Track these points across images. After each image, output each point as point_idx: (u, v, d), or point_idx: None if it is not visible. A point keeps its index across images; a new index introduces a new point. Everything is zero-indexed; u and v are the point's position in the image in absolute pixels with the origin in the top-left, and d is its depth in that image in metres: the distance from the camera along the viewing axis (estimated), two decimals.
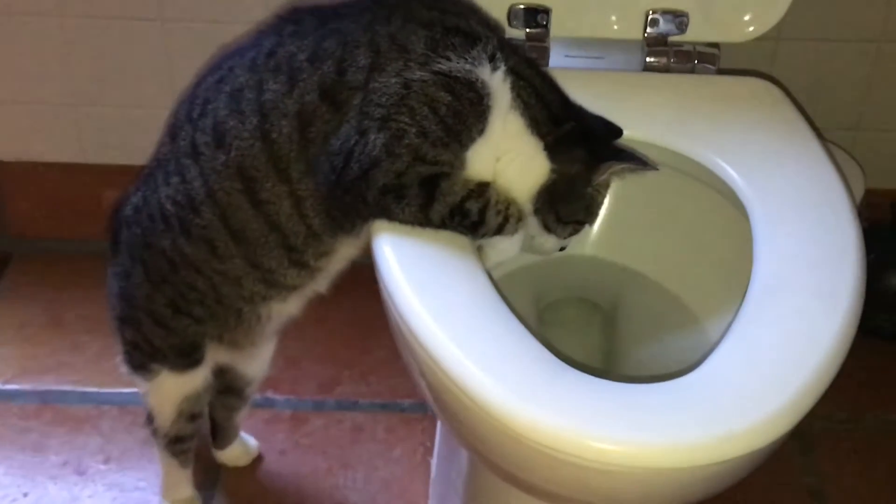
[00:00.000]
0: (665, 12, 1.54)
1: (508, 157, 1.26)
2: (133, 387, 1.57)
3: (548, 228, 1.31)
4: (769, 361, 1.08)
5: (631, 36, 1.56)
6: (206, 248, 1.35)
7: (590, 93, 1.39)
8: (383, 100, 1.22)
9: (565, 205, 1.30)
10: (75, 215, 2.09)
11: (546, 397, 1.03)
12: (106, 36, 1.92)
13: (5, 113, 2.03)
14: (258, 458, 1.75)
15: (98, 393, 1.85)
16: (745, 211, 1.29)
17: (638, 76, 1.54)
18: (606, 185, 1.33)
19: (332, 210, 1.29)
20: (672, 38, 1.55)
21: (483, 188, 1.24)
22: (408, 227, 1.24)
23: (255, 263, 1.35)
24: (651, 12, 1.54)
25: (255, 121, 1.27)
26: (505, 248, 1.29)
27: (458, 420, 1.13)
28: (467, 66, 1.22)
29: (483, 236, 1.26)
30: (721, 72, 1.54)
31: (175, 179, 1.34)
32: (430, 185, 1.22)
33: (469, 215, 1.24)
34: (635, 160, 1.28)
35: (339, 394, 1.87)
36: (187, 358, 1.47)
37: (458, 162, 1.24)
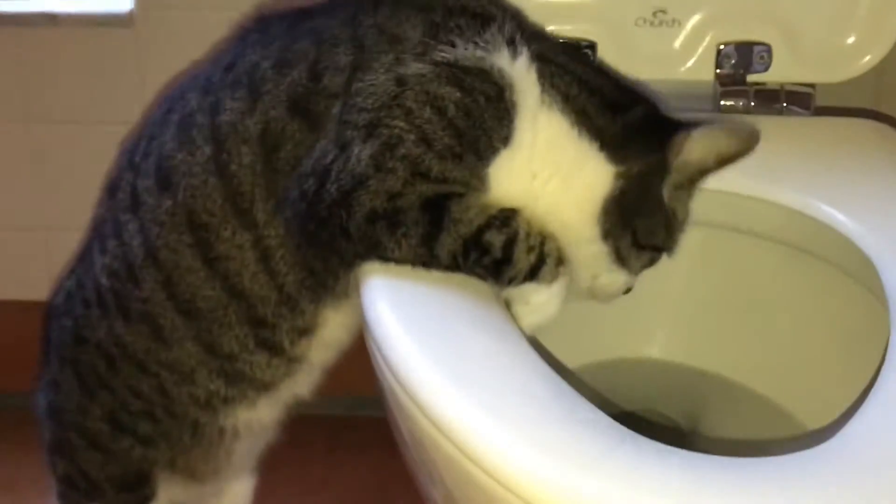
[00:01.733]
0: (741, 45, 1.30)
1: (548, 171, 0.98)
2: None
3: (621, 259, 1.02)
4: None
5: (699, 76, 1.32)
6: (149, 331, 1.12)
7: None
8: (370, 102, 0.97)
9: (643, 219, 1.01)
10: (23, 363, 1.78)
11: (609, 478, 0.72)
12: (78, 145, 1.75)
13: None
14: None
15: None
16: (870, 275, 1.01)
17: (713, 118, 1.26)
18: (688, 192, 1.04)
19: (311, 259, 1.02)
20: (752, 78, 1.31)
21: (508, 216, 0.96)
22: (406, 272, 0.96)
23: (212, 347, 1.10)
24: (723, 46, 1.30)
25: (209, 150, 1.04)
26: (542, 305, 0.99)
27: None
28: (479, 53, 0.97)
29: (511, 282, 0.97)
30: (820, 112, 1.31)
31: (112, 243, 1.13)
32: (437, 210, 0.95)
33: (490, 251, 0.96)
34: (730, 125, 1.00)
35: None
36: (131, 493, 1.24)
37: (476, 181, 0.97)
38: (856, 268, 1.06)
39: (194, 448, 1.19)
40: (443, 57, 0.96)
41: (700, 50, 1.31)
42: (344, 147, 0.96)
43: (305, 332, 1.08)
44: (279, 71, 1.02)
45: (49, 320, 1.25)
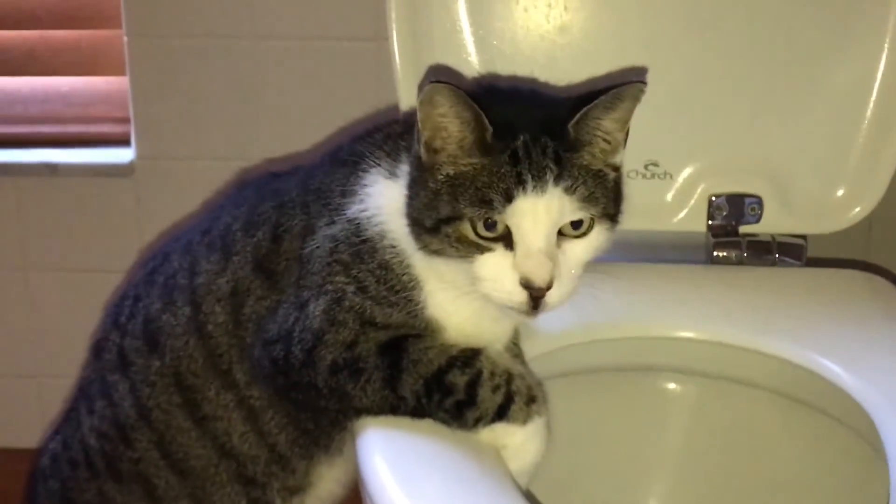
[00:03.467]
0: (732, 197, 1.31)
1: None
2: None
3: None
4: None
5: (692, 227, 1.33)
6: (142, 491, 1.13)
7: (644, 288, 1.19)
8: (316, 264, 1.02)
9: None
10: None
11: None
12: (76, 292, 1.76)
13: None
14: None
15: None
16: (869, 429, 1.00)
17: (706, 269, 1.30)
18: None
19: (302, 420, 1.04)
20: (744, 229, 1.31)
21: (471, 356, 0.97)
22: (405, 425, 0.96)
23: None
24: (714, 198, 1.31)
25: (188, 311, 1.07)
26: (520, 447, 0.97)
27: None
28: (357, 208, 1.01)
29: (477, 423, 0.96)
30: (811, 264, 1.32)
31: (100, 404, 1.13)
32: (395, 352, 0.98)
33: (452, 392, 0.96)
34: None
35: None
36: None
37: (420, 323, 0.98)
38: (853, 420, 1.05)
39: None
40: (350, 213, 1.00)
41: (692, 202, 1.32)
42: (302, 307, 1.00)
43: (298, 490, 1.08)
44: (246, 232, 1.06)
45: (35, 483, 1.23)
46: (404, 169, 0.99)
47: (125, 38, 1.60)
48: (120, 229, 1.71)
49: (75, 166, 1.68)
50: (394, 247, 0.98)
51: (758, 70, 1.30)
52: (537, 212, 0.91)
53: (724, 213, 1.32)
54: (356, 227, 0.99)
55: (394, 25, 1.28)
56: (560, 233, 0.93)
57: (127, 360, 1.10)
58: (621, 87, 0.94)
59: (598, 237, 0.95)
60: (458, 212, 0.92)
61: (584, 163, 0.94)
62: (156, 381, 1.08)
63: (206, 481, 1.07)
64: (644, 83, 0.94)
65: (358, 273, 0.98)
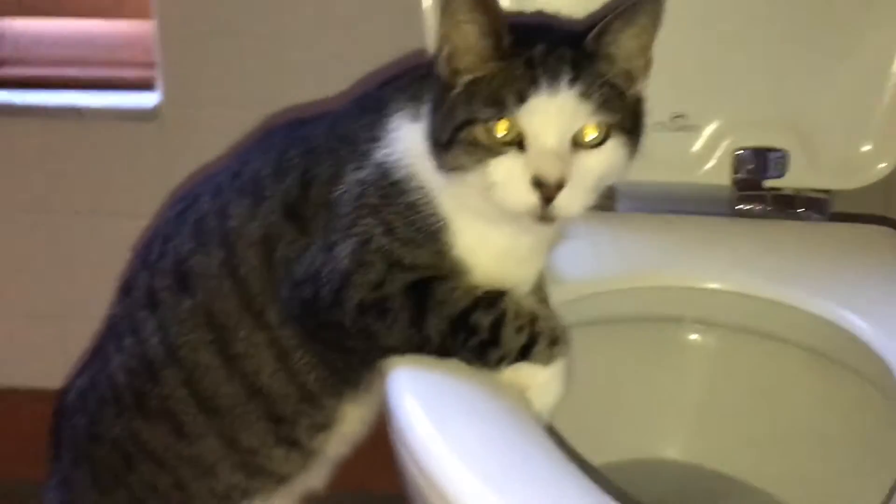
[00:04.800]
0: (757, 151, 1.33)
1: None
2: None
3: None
4: None
5: (716, 180, 1.35)
6: (170, 428, 1.15)
7: (670, 239, 1.20)
8: (345, 208, 1.04)
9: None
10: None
11: None
12: (101, 235, 1.79)
13: None
14: None
15: None
16: (888, 380, 1.03)
17: (731, 221, 1.31)
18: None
19: (332, 359, 1.06)
20: (768, 183, 1.33)
21: (496, 297, 0.99)
22: (432, 364, 0.98)
23: (233, 442, 1.12)
24: (740, 151, 1.33)
25: (222, 255, 1.09)
26: (543, 386, 0.99)
27: None
28: (384, 152, 1.03)
29: (500, 363, 0.98)
30: (835, 218, 1.34)
31: (129, 341, 1.15)
32: (421, 293, 1.00)
33: (477, 331, 0.98)
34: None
35: None
36: None
37: (447, 264, 1.00)
38: (872, 371, 1.07)
39: None
40: (376, 157, 1.02)
41: (717, 154, 1.34)
42: (329, 249, 1.02)
43: (324, 427, 1.11)
44: (276, 178, 1.07)
45: (60, 419, 1.25)
46: (425, 109, 1.00)
47: None
48: (145, 173, 1.73)
49: (101, 110, 1.69)
50: (421, 188, 0.99)
51: (787, 26, 1.32)
52: (550, 112, 0.93)
53: (749, 167, 1.34)
54: (384, 171, 1.01)
55: None
56: (575, 143, 0.94)
57: (156, 298, 1.13)
58: (639, 2, 0.95)
59: (614, 151, 0.96)
60: (471, 114, 0.94)
61: (602, 72, 0.95)
62: (186, 319, 1.10)
63: (235, 419, 1.10)
64: None
65: (386, 215, 1.00)
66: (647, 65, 0.99)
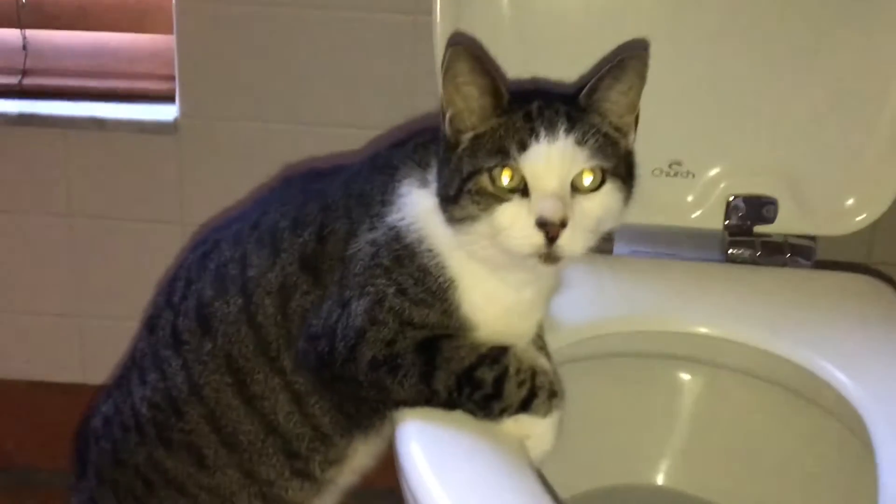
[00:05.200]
0: (749, 198, 1.39)
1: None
2: None
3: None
4: None
5: (709, 225, 1.41)
6: (192, 459, 1.21)
7: (663, 284, 1.27)
8: (359, 266, 1.10)
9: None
10: (63, 444, 1.85)
11: None
12: (120, 239, 1.85)
13: None
14: None
15: None
16: (861, 427, 1.10)
17: (720, 267, 1.38)
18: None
19: (344, 405, 1.13)
20: (758, 229, 1.39)
21: (499, 354, 1.06)
22: (438, 417, 1.06)
23: (251, 474, 1.19)
24: (733, 198, 1.39)
25: (240, 302, 1.15)
26: (540, 436, 1.07)
27: None
28: (396, 216, 1.09)
29: (502, 414, 1.05)
30: (819, 266, 1.39)
31: (153, 377, 1.21)
32: (430, 351, 1.07)
33: (482, 386, 1.05)
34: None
35: None
36: None
37: (455, 322, 1.07)
38: (847, 418, 1.14)
39: None
40: (389, 220, 1.08)
41: (711, 201, 1.39)
42: (344, 306, 1.08)
43: (336, 462, 1.17)
44: (294, 231, 1.13)
45: (86, 441, 1.31)
46: (434, 174, 1.07)
47: None
48: (162, 183, 1.78)
49: (122, 122, 1.73)
50: (430, 251, 1.06)
51: (782, 79, 1.37)
52: (549, 158, 1.00)
53: (741, 213, 1.39)
54: (396, 234, 1.07)
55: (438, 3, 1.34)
56: (574, 189, 1.01)
57: (180, 338, 1.18)
58: (625, 59, 1.02)
59: (610, 195, 1.02)
60: (477, 165, 1.01)
61: (595, 122, 1.03)
62: (207, 361, 1.16)
63: (253, 454, 1.16)
64: (646, 53, 1.03)
65: (398, 276, 1.06)
66: (636, 120, 1.06)
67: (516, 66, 1.26)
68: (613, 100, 1.03)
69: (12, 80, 1.78)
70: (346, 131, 1.71)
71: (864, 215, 1.38)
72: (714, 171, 1.40)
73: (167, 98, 1.76)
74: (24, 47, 1.78)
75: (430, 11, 1.36)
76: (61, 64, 1.80)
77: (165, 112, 1.73)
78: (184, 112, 1.72)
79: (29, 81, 1.79)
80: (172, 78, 1.72)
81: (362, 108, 1.69)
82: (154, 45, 1.77)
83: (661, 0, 1.36)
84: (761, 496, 1.28)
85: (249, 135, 1.74)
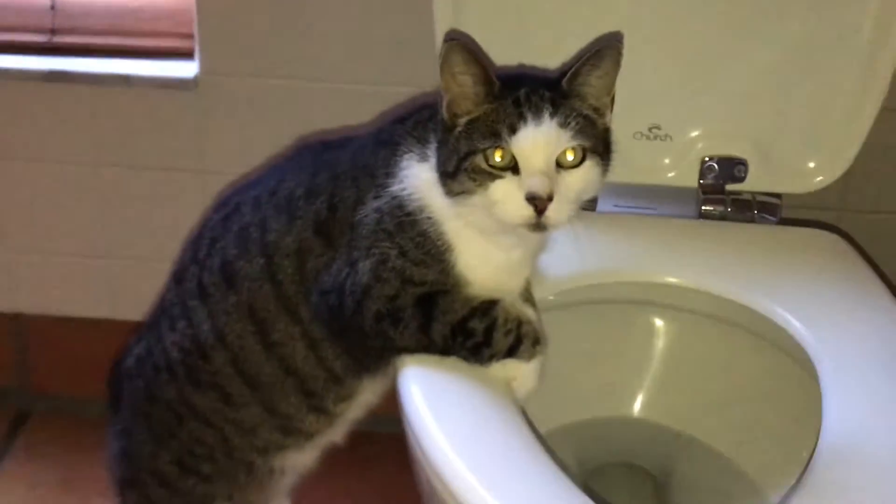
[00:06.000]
0: (722, 159, 1.49)
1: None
2: None
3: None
4: None
5: (685, 183, 1.51)
6: (218, 397, 1.32)
7: (641, 238, 1.38)
8: (365, 230, 1.21)
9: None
10: (98, 375, 1.93)
11: None
12: (143, 187, 1.94)
13: (30, 264, 2.02)
14: None
15: None
16: (812, 367, 1.22)
17: (694, 223, 1.48)
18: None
19: (354, 350, 1.24)
20: (730, 187, 1.50)
21: (489, 306, 1.18)
22: (435, 362, 1.18)
23: (272, 410, 1.30)
24: (707, 159, 1.49)
25: (262, 262, 1.26)
26: (525, 378, 1.19)
27: None
28: (398, 187, 1.20)
29: (491, 359, 1.18)
30: (783, 222, 1.50)
31: (181, 324, 1.32)
32: (428, 304, 1.18)
33: (473, 335, 1.17)
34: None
35: None
36: None
37: (451, 280, 1.19)
38: (798, 357, 1.27)
39: (249, 484, 1.37)
40: (391, 190, 1.19)
41: (686, 161, 1.50)
42: (352, 265, 1.19)
43: (347, 398, 1.30)
44: (308, 199, 1.24)
45: (120, 379, 1.43)
46: (432, 149, 1.18)
47: None
48: (182, 136, 1.86)
49: (145, 78, 1.81)
50: (429, 218, 1.17)
51: (751, 46, 1.46)
52: (537, 140, 1.11)
53: (714, 173, 1.49)
54: (398, 203, 1.18)
55: None
56: (559, 165, 1.12)
57: (206, 291, 1.29)
58: (602, 49, 1.13)
59: (589, 170, 1.14)
60: (472, 147, 1.12)
61: (576, 107, 1.13)
62: (232, 312, 1.27)
63: (274, 393, 1.28)
64: (620, 43, 1.14)
65: (400, 240, 1.17)
66: (612, 101, 1.17)
67: (508, 53, 1.36)
68: (592, 84, 1.14)
69: (42, 38, 1.86)
70: (359, 88, 1.78)
71: (823, 177, 1.48)
72: (690, 135, 1.49)
73: (187, 55, 1.82)
74: (53, 7, 1.85)
75: None
76: (87, 23, 1.87)
77: (186, 69, 1.80)
78: (203, 69, 1.79)
79: (58, 40, 1.86)
80: (192, 36, 1.79)
81: (376, 66, 1.76)
82: (175, 4, 1.84)
83: None
84: (724, 423, 1.40)
85: (265, 91, 1.81)
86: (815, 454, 1.09)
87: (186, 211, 1.75)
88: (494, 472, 1.04)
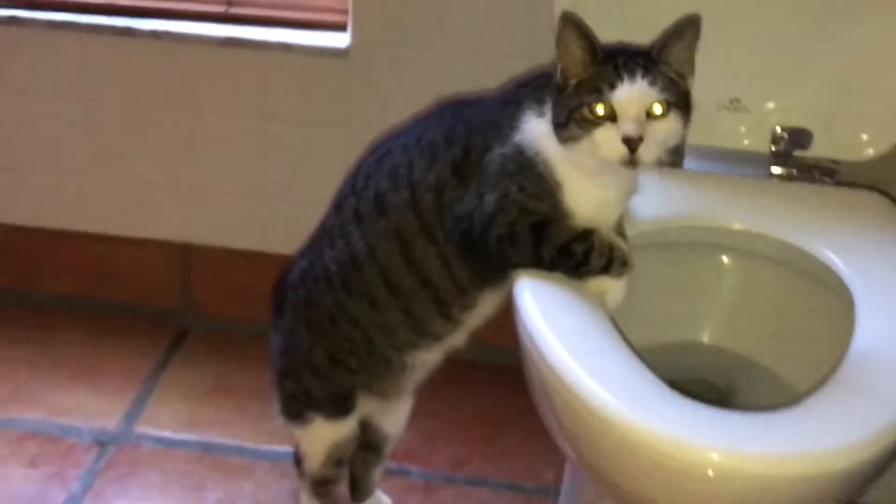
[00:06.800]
0: (791, 129, 1.68)
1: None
2: (285, 445, 1.83)
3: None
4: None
5: (758, 149, 1.70)
6: (366, 302, 1.53)
7: (719, 195, 1.60)
8: (492, 171, 1.42)
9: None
10: (251, 299, 2.17)
11: (659, 411, 1.22)
12: (298, 141, 2.13)
13: (200, 201, 2.22)
14: None
15: (254, 448, 2.03)
16: (850, 296, 1.44)
17: (763, 182, 1.69)
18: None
19: (479, 266, 1.48)
20: (796, 153, 1.69)
21: (588, 234, 1.40)
22: (543, 276, 1.42)
23: (409, 314, 1.52)
24: (778, 129, 1.69)
25: (408, 194, 1.48)
26: (614, 290, 1.42)
27: (583, 437, 1.30)
28: (519, 137, 1.42)
29: (587, 275, 1.40)
30: (840, 184, 1.68)
31: (340, 242, 1.53)
32: (539, 230, 1.40)
33: (574, 256, 1.39)
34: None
35: (469, 471, 2.01)
36: (340, 406, 1.64)
37: (559, 211, 1.41)
38: (843, 293, 1.46)
39: (385, 376, 1.60)
40: (514, 141, 1.41)
41: (761, 130, 1.69)
42: (481, 198, 1.41)
43: (470, 307, 1.51)
44: (446, 146, 1.46)
45: (284, 289, 1.63)
46: (548, 107, 1.41)
47: None
48: (335, 97, 2.05)
49: (304, 47, 2.01)
50: (544, 162, 1.40)
51: (821, 33, 1.65)
52: (632, 94, 1.32)
53: (784, 141, 1.67)
54: (519, 149, 1.40)
55: None
56: (648, 116, 1.33)
57: (361, 217, 1.50)
58: (684, 25, 1.37)
59: (673, 121, 1.35)
60: (580, 101, 1.34)
61: (662, 70, 1.37)
62: (381, 233, 1.47)
63: (412, 300, 1.49)
64: (699, 21, 1.36)
65: (519, 179, 1.39)
66: (692, 68, 1.41)
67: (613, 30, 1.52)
68: (676, 53, 1.37)
69: (220, 9, 2.08)
70: (486, 60, 1.97)
71: (872, 149, 1.67)
72: (765, 107, 1.68)
73: (341, 28, 2.02)
74: None
75: None
76: None
77: (340, 39, 2.01)
78: (355, 40, 1.99)
79: (233, 11, 2.08)
80: (346, 12, 2.00)
81: (502, 42, 1.95)
82: None
83: None
84: (778, 349, 1.58)
85: (408, 60, 2.00)
86: (845, 358, 1.32)
87: (333, 163, 1.91)
88: (593, 361, 1.28)
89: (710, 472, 1.17)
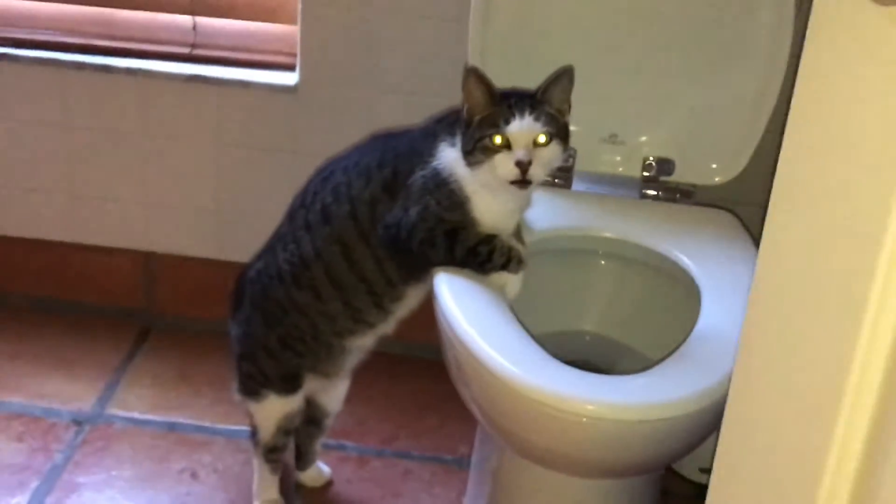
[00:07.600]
0: (658, 159, 1.98)
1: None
2: (238, 424, 2.09)
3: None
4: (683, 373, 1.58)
5: (632, 174, 1.99)
6: (313, 295, 1.78)
7: (600, 211, 1.92)
8: (415, 189, 1.69)
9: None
10: (207, 301, 2.41)
11: (545, 374, 1.54)
12: (252, 164, 2.31)
13: (163, 215, 2.37)
14: (329, 482, 2.16)
15: (212, 427, 2.27)
16: (697, 289, 1.77)
17: (635, 202, 1.99)
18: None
19: (405, 264, 1.78)
20: (662, 178, 1.98)
21: (491, 238, 1.67)
22: (456, 272, 1.71)
23: (348, 304, 1.79)
24: (648, 158, 1.99)
25: (348, 207, 1.75)
26: (512, 283, 1.70)
27: (487, 397, 1.59)
28: (436, 162, 1.69)
29: (491, 271, 1.67)
30: (696, 204, 1.98)
31: (292, 246, 1.79)
32: (453, 236, 1.67)
33: (480, 255, 1.68)
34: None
35: (396, 446, 2.27)
36: (290, 384, 1.88)
37: (468, 220, 1.68)
38: (691, 286, 1.76)
39: (327, 359, 1.83)
40: (433, 165, 1.67)
41: (634, 159, 1.98)
42: (406, 210, 1.66)
43: (399, 299, 1.77)
44: (379, 169, 1.72)
45: (243, 285, 1.86)
46: (458, 139, 1.66)
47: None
48: (285, 127, 2.25)
49: (259, 84, 2.21)
50: (456, 181, 1.66)
51: (688, 79, 1.94)
52: (522, 128, 1.60)
53: (652, 168, 1.96)
54: (436, 172, 1.66)
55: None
56: (535, 145, 1.60)
57: (310, 225, 1.73)
58: (561, 73, 1.66)
59: (555, 148, 1.63)
60: (483, 133, 1.61)
61: (545, 109, 1.63)
62: (326, 238, 1.71)
63: (350, 293, 1.73)
64: (572, 70, 1.65)
65: (437, 195, 1.65)
66: (569, 107, 1.72)
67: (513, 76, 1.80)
68: (555, 95, 1.66)
69: (185, 50, 2.26)
70: (413, 98, 2.16)
71: (720, 177, 1.97)
72: (637, 140, 1.97)
73: (290, 68, 2.20)
74: (194, 28, 2.26)
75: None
76: (219, 41, 2.27)
77: (289, 78, 2.20)
78: (302, 79, 2.17)
79: (197, 52, 2.27)
80: (295, 54, 2.18)
81: (425, 83, 2.16)
82: (283, 30, 2.24)
83: (604, 25, 1.92)
84: (644, 334, 1.86)
85: (348, 98, 2.20)
86: (688, 338, 1.64)
87: (283, 184, 2.01)
88: (494, 338, 1.56)
89: (585, 420, 1.48)
